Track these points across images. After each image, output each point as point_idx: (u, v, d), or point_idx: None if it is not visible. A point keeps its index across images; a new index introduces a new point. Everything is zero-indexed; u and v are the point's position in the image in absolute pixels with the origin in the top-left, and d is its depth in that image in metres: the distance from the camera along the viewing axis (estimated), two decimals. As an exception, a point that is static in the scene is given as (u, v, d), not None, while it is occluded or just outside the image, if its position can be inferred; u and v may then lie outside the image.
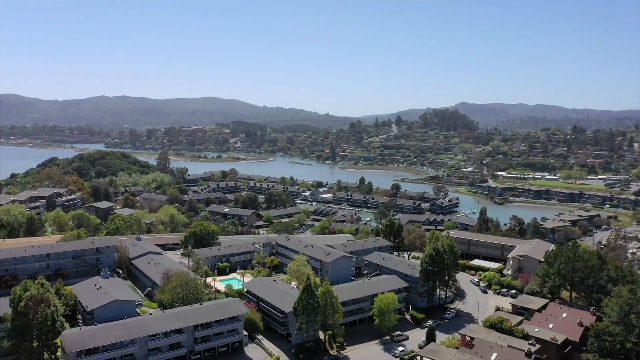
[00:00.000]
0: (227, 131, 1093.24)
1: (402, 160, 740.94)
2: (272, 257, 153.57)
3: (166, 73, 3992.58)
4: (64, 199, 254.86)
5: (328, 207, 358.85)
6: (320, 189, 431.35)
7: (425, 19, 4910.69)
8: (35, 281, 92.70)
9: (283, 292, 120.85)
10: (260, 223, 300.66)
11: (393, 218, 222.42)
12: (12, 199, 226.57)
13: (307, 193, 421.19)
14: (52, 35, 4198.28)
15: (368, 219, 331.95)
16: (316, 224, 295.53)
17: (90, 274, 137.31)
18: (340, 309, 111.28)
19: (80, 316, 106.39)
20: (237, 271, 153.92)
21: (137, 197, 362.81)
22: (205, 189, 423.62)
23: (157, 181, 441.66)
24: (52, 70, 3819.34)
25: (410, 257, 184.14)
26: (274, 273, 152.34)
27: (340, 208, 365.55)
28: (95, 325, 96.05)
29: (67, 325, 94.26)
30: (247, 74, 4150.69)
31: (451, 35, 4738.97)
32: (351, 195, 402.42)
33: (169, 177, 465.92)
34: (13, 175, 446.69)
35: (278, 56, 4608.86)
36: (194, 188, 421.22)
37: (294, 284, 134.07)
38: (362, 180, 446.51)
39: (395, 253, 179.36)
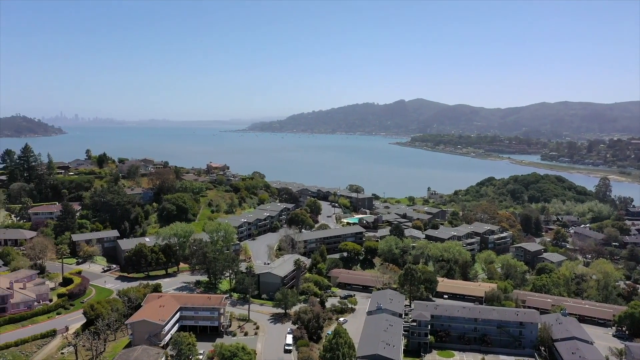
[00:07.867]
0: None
1: None
2: None
3: (615, 74, 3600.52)
4: (495, 236, 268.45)
5: None
6: None
7: None
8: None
9: None
10: None
11: None
12: (452, 234, 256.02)
13: None
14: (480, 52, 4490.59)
15: None
16: None
17: (512, 345, 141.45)
18: None
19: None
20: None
21: (569, 230, 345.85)
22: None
23: (594, 212, 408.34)
24: (496, 80, 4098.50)
25: None
26: None
27: None
28: None
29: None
30: None
31: None
32: None
33: (608, 208, 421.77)
34: (456, 192, 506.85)
35: None
36: None
37: None
38: None
39: None
